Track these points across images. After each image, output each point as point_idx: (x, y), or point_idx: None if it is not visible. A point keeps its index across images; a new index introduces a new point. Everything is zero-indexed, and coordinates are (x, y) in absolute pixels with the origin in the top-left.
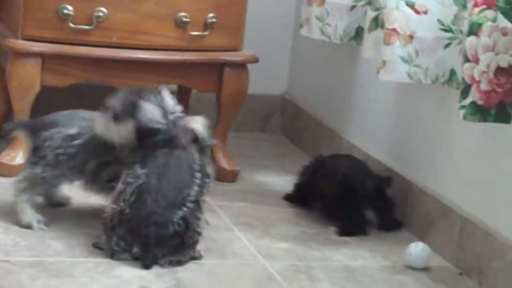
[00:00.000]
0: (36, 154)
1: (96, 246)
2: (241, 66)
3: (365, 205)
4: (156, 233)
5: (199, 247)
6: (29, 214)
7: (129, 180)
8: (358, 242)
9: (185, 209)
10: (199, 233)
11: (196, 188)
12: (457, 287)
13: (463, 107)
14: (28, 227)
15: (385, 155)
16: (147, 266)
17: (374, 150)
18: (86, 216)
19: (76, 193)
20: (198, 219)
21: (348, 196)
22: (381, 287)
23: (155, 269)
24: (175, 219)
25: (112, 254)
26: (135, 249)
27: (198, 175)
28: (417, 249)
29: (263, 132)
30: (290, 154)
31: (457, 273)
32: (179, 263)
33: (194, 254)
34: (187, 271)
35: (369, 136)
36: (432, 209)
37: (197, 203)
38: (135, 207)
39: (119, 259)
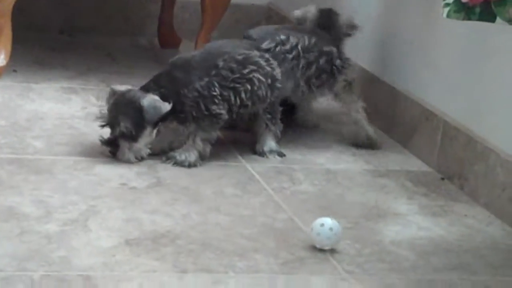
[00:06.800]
0: None
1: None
2: None
3: None
4: None
5: None
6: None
7: None
8: (341, 147)
9: None
10: None
11: None
12: (438, 191)
13: (447, 4)
14: None
15: (369, 62)
16: None
17: (359, 57)
18: (65, 117)
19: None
20: None
21: None
22: (361, 189)
23: (136, 168)
24: None
25: None
26: None
27: None
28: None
29: None
30: None
31: (439, 178)
32: None
33: None
34: (168, 170)
35: (354, 44)
36: (415, 115)
37: None
38: None
39: None
